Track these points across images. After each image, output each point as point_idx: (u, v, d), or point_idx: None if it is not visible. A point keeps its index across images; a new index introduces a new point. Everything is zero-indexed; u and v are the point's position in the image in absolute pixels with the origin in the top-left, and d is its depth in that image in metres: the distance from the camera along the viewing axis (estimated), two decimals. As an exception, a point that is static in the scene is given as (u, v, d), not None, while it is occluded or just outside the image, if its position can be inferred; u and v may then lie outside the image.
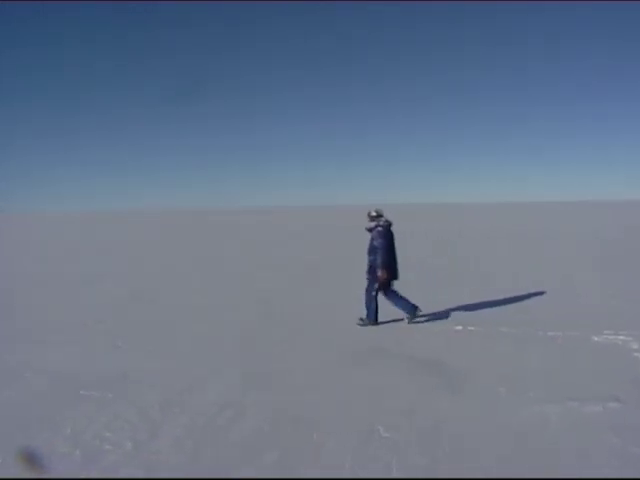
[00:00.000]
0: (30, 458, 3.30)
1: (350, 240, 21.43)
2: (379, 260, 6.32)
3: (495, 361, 5.03)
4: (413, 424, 3.69)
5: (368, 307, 6.57)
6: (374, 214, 6.57)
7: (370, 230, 6.55)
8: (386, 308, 6.63)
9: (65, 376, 4.83)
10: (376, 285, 6.47)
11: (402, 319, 6.62)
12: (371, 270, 6.50)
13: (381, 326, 6.45)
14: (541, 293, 8.58)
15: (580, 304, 7.65)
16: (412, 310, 6.53)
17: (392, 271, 6.46)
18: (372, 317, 6.56)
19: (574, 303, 7.70)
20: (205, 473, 3.12)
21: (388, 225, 6.54)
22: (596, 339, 5.71)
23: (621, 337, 5.74)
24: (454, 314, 7.02)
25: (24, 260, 15.48)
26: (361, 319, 6.61)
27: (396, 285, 6.62)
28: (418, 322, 6.55)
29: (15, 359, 5.39)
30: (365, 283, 6.61)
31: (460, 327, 6.30)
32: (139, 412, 3.99)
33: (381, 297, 6.55)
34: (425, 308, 7.48)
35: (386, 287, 6.51)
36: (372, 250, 6.45)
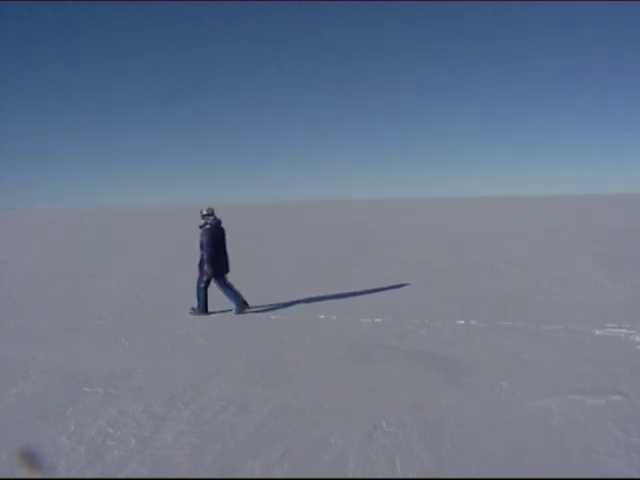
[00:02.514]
0: (31, 458, 3.30)
1: (348, 236, 21.40)
2: (205, 256, 6.92)
3: (497, 355, 5.04)
4: (416, 419, 3.69)
5: (198, 298, 7.09)
6: (205, 213, 7.11)
7: (200, 227, 7.07)
8: (391, 306, 6.63)
9: (69, 373, 4.84)
10: (205, 278, 7.02)
11: (396, 320, 6.61)
12: (201, 264, 7.06)
13: (383, 322, 6.45)
14: (543, 288, 8.58)
15: (582, 298, 7.64)
16: (240, 303, 7.08)
17: (221, 265, 7.07)
18: (202, 308, 7.08)
19: (576, 297, 7.70)
20: (210, 468, 3.13)
21: (217, 223, 7.11)
22: (598, 333, 5.71)
23: (623, 330, 5.74)
24: (456, 309, 7.02)
25: (26, 257, 15.49)
26: (192, 309, 7.15)
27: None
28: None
29: (18, 357, 5.40)
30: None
31: (462, 321, 6.30)
32: (143, 408, 4.00)
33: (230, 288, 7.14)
34: (427, 304, 7.49)
35: (219, 279, 7.10)
36: (201, 246, 7.00)
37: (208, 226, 7.01)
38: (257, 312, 7.18)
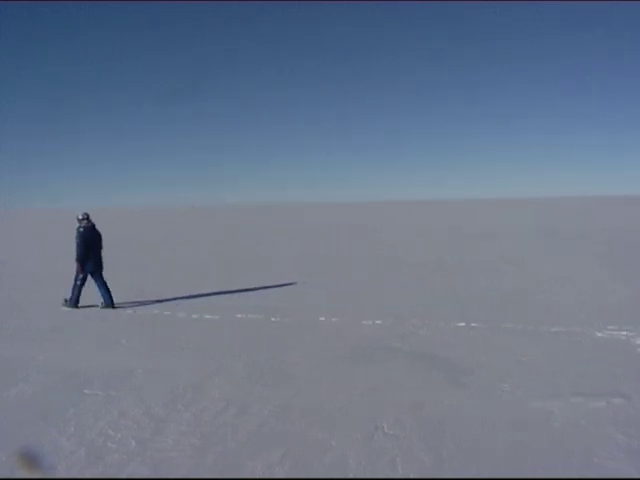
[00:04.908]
0: (31, 459, 3.29)
1: (348, 237, 21.41)
2: (75, 256, 7.64)
3: (498, 357, 5.03)
4: (417, 420, 3.69)
5: (72, 291, 7.77)
6: (80, 217, 7.80)
7: (77, 230, 7.75)
8: (391, 307, 6.57)
9: (69, 374, 4.83)
10: (80, 275, 7.69)
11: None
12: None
13: (383, 323, 6.44)
14: (543, 288, 8.58)
15: (582, 298, 7.65)
16: (108, 301, 7.75)
17: (94, 263, 7.71)
18: (73, 301, 7.75)
19: (576, 297, 7.70)
20: (211, 470, 3.12)
21: (90, 227, 7.79)
22: (599, 335, 5.71)
23: (624, 332, 5.74)
24: (456, 310, 7.03)
25: (26, 257, 15.48)
26: (65, 300, 7.82)
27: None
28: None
29: (19, 357, 5.39)
30: None
31: (463, 323, 6.30)
32: (143, 410, 3.99)
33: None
34: (428, 305, 7.49)
35: (96, 276, 7.76)
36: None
37: (81, 229, 7.70)
38: (257, 313, 7.18)
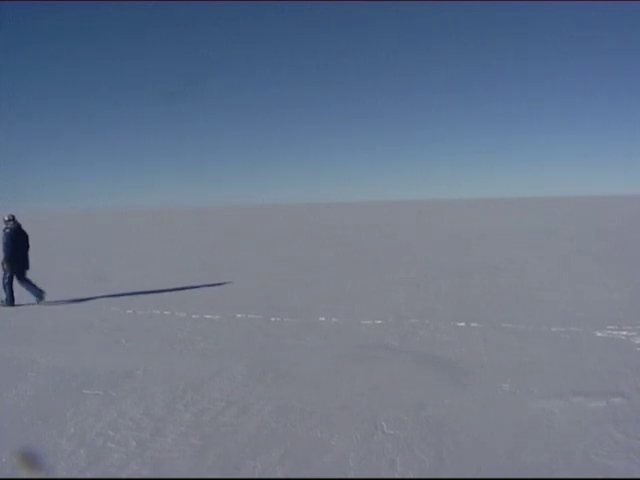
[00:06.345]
0: (31, 460, 3.29)
1: (347, 238, 21.40)
2: (3, 255, 7.96)
3: (498, 357, 5.03)
4: (417, 420, 3.69)
5: (5, 292, 8.09)
6: (6, 219, 8.14)
7: (4, 231, 8.05)
8: (391, 307, 6.53)
9: (69, 375, 4.83)
10: (7, 274, 8.03)
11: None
12: (3, 263, 8.05)
13: (383, 323, 6.44)
14: (543, 288, 8.58)
15: (582, 298, 7.64)
16: (39, 295, 8.07)
17: (20, 263, 8.04)
18: (9, 300, 8.04)
19: (576, 299, 7.69)
20: (211, 470, 3.12)
21: (16, 227, 8.12)
22: (599, 334, 5.71)
23: (624, 332, 5.74)
24: (456, 310, 7.02)
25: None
26: (1, 301, 8.09)
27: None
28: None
29: (19, 358, 5.39)
30: None
31: (463, 323, 6.30)
32: (143, 410, 3.99)
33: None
34: (428, 305, 7.49)
35: (20, 275, 8.07)
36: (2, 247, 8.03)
37: (8, 230, 7.99)
38: (257, 313, 7.18)
